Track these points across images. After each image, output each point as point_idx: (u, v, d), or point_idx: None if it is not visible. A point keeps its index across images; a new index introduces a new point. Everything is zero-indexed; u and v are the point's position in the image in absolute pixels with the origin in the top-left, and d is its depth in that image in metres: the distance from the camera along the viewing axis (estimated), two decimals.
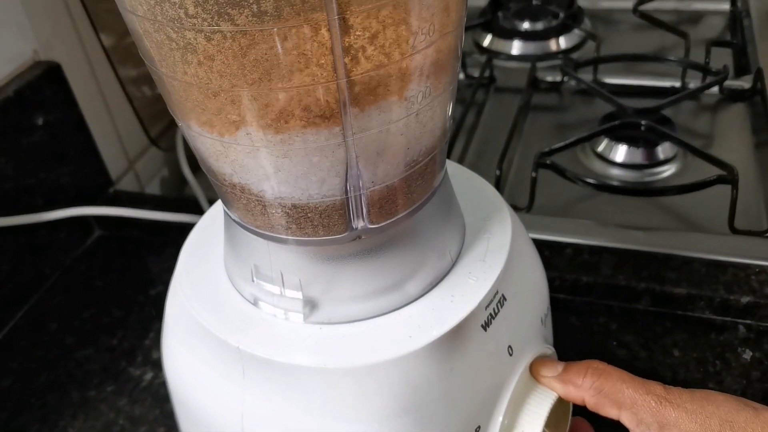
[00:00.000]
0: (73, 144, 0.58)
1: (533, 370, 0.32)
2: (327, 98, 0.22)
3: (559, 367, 0.31)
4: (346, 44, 0.21)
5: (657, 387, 0.29)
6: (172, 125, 0.71)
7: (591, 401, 0.30)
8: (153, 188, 0.69)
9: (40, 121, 0.54)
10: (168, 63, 0.23)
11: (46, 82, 0.55)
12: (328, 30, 0.21)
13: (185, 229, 0.36)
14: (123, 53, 0.63)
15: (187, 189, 0.67)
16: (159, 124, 0.70)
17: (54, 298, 0.55)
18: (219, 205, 0.36)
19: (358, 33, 0.21)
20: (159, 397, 0.46)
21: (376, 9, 0.21)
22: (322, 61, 0.21)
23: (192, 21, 0.21)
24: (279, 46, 0.21)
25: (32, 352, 0.50)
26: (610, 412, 0.29)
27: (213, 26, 0.20)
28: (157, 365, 0.48)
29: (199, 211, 0.57)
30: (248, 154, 0.24)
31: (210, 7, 0.20)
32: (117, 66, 0.63)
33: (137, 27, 0.23)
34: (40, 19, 0.55)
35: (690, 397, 0.28)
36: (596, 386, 0.30)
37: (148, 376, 0.47)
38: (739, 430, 0.26)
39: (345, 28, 0.21)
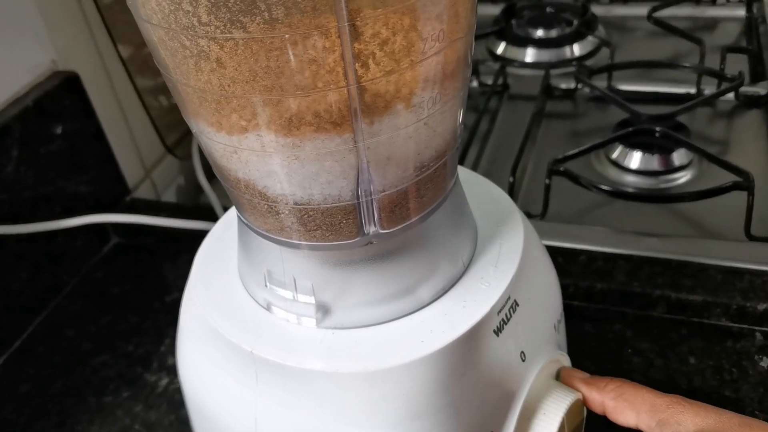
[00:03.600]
0: (91, 153, 0.59)
1: (562, 375, 0.33)
2: (338, 104, 0.22)
3: (587, 374, 0.33)
4: (356, 51, 0.21)
5: (676, 395, 0.30)
6: (188, 134, 0.72)
7: (610, 404, 0.31)
8: (169, 196, 0.70)
9: (58, 131, 0.55)
10: (182, 70, 0.23)
11: (65, 92, 0.56)
12: (339, 36, 0.21)
13: (200, 236, 0.36)
14: (140, 64, 0.64)
15: (203, 197, 0.68)
16: (175, 133, 0.71)
17: (71, 305, 0.55)
18: (233, 212, 0.36)
19: (368, 39, 0.21)
20: (174, 402, 0.46)
21: (385, 15, 0.21)
22: (333, 68, 0.21)
23: (205, 29, 0.21)
24: (290, 53, 0.21)
25: (50, 358, 0.50)
26: (628, 416, 0.30)
27: (225, 34, 0.21)
28: (173, 371, 0.48)
29: (215, 219, 0.57)
30: (260, 158, 0.24)
31: (222, 15, 0.20)
32: (134, 76, 0.64)
33: (152, 35, 0.23)
34: (59, 30, 0.56)
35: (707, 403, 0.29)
36: (618, 391, 0.31)
37: (164, 381, 0.47)
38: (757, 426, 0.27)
39: (355, 34, 0.21)
